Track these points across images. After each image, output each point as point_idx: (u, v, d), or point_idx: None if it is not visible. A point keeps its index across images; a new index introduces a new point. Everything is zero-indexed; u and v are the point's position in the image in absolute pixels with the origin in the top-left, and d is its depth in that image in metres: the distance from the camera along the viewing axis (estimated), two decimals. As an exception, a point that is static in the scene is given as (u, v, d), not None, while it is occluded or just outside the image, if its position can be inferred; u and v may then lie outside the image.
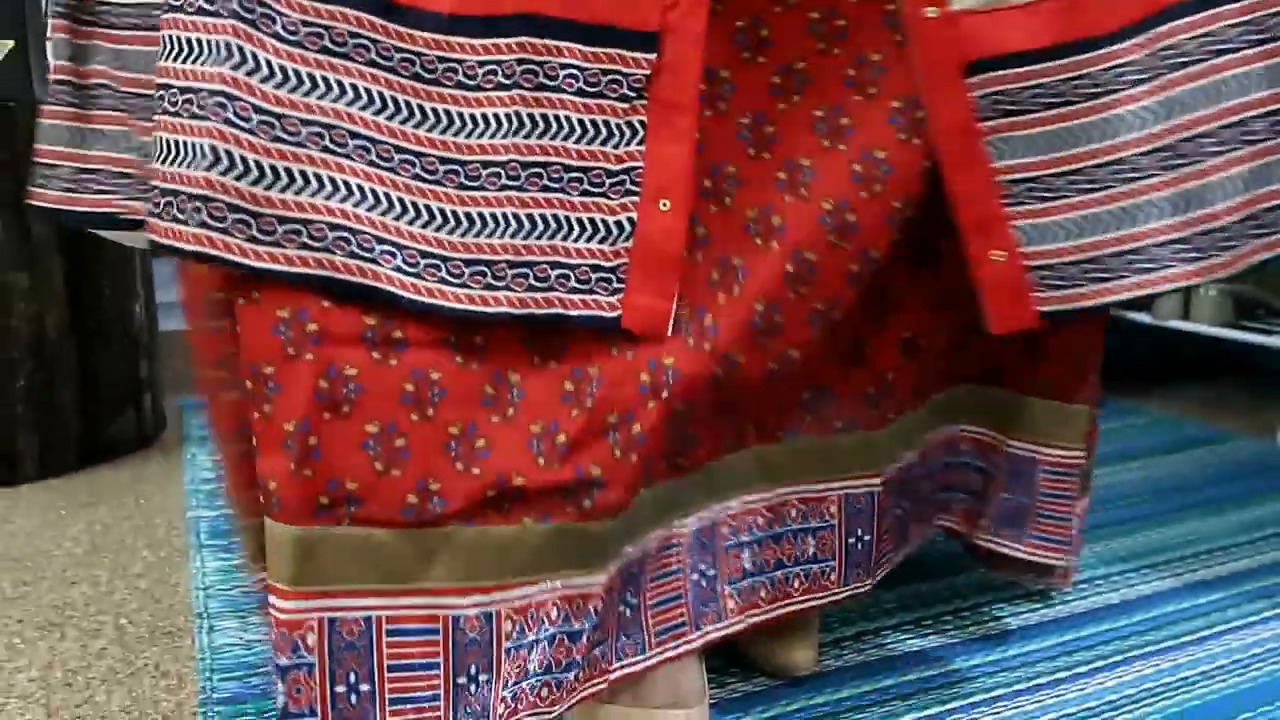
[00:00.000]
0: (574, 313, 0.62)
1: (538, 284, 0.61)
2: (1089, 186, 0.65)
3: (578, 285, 0.62)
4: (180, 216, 0.56)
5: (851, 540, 0.77)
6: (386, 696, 0.59)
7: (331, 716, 0.58)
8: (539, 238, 0.61)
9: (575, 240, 0.61)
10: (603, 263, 0.62)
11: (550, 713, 0.62)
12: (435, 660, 0.60)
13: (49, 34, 0.73)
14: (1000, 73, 0.65)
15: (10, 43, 1.25)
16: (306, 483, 0.57)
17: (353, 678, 0.59)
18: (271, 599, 0.58)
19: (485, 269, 0.60)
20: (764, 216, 0.68)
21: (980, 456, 0.84)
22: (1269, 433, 1.49)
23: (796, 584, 0.75)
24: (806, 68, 0.68)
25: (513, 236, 0.60)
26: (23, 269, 1.25)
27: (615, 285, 0.62)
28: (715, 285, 0.66)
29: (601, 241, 0.62)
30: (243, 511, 0.67)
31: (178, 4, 0.58)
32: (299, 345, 0.58)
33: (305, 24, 0.58)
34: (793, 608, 0.76)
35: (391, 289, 0.58)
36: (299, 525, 0.57)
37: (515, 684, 0.62)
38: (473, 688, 0.61)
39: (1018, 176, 0.66)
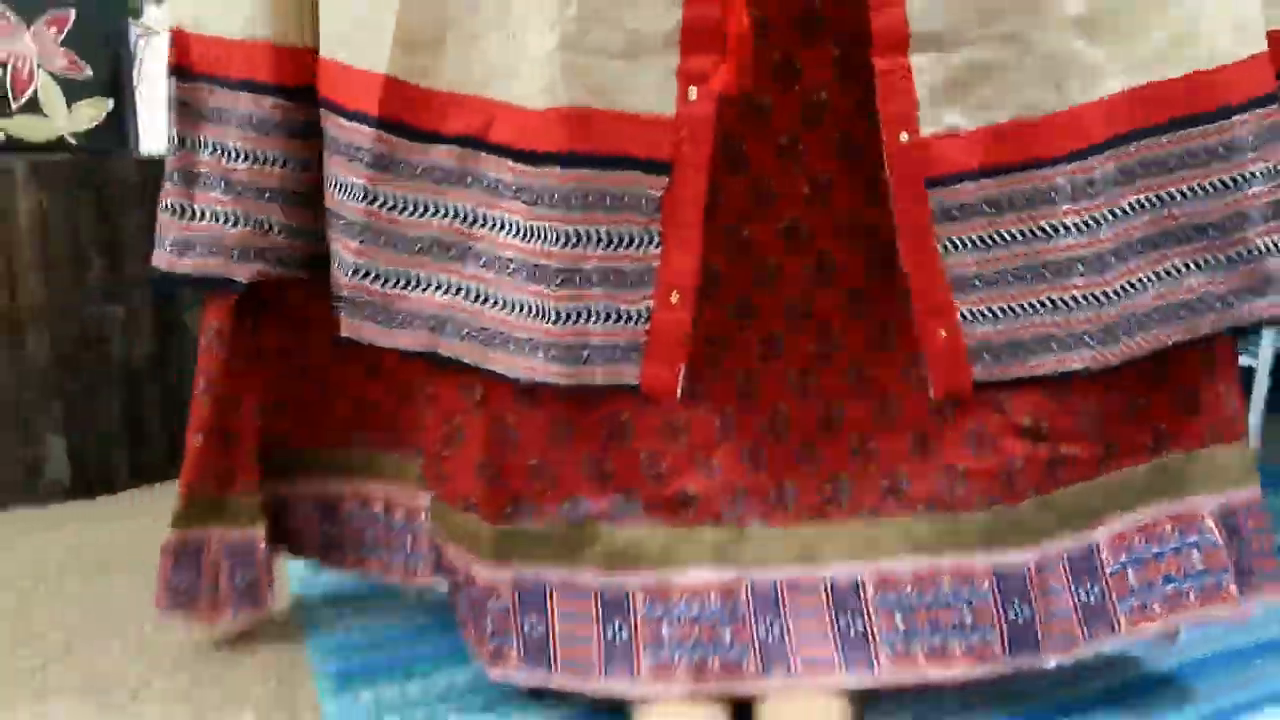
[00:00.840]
0: (604, 382, 0.79)
1: (572, 360, 0.78)
2: (1017, 281, 0.77)
3: (607, 360, 0.79)
4: (339, 309, 0.85)
5: (1012, 615, 0.81)
6: (559, 637, 0.82)
7: (520, 640, 0.82)
8: (576, 323, 0.78)
9: (603, 324, 0.78)
10: (627, 342, 0.79)
11: (691, 687, 0.80)
12: (588, 615, 0.83)
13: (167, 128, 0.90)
14: (953, 187, 0.76)
15: (110, 101, 1.41)
16: (497, 497, 0.83)
17: (534, 618, 0.83)
18: (474, 568, 0.84)
19: (540, 347, 0.78)
20: (804, 301, 0.83)
21: (1188, 531, 0.84)
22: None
23: (957, 649, 0.82)
24: (832, 179, 0.82)
25: (555, 323, 0.77)
26: (118, 303, 1.40)
27: (638, 359, 0.79)
28: (758, 357, 0.84)
29: (625, 324, 0.78)
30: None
31: (334, 148, 0.82)
32: (472, 406, 0.83)
33: (421, 164, 0.80)
34: (956, 674, 0.81)
35: (476, 361, 0.81)
36: (494, 525, 0.83)
37: (654, 647, 0.81)
38: (617, 641, 0.82)
39: (962, 271, 0.77)
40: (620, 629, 0.83)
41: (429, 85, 0.78)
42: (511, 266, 0.77)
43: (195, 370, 0.92)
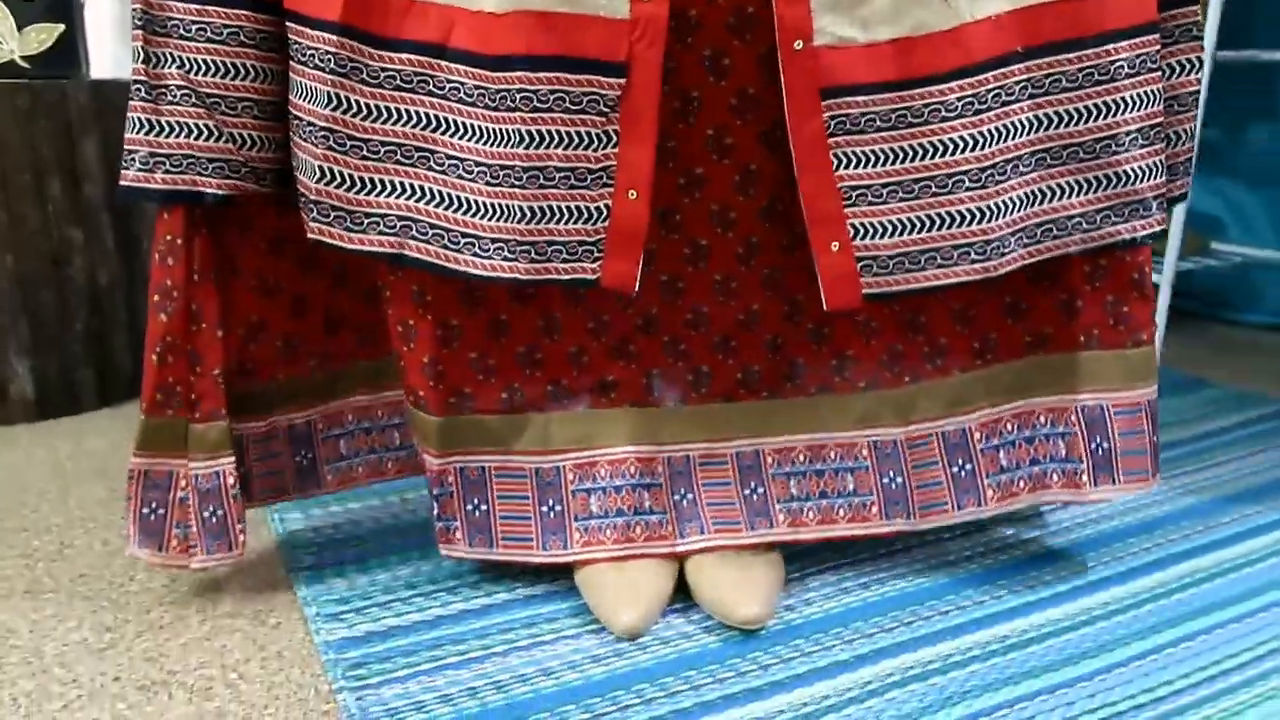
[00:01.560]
0: (565, 277, 0.83)
1: (537, 258, 0.83)
2: (907, 196, 0.80)
3: (568, 256, 0.82)
4: (306, 212, 0.86)
5: (885, 480, 0.95)
6: (497, 513, 0.95)
7: (465, 521, 0.94)
8: (538, 222, 0.82)
9: (565, 223, 0.81)
10: (587, 239, 0.82)
11: (618, 552, 0.93)
12: (526, 494, 0.95)
13: (131, 40, 0.91)
14: (846, 99, 0.79)
15: (61, 26, 1.43)
16: (440, 392, 0.92)
17: (476, 500, 0.94)
18: (425, 457, 0.94)
19: (504, 246, 0.83)
20: (723, 210, 0.89)
21: (1058, 422, 0.94)
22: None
23: (841, 512, 0.95)
24: (756, 93, 0.84)
25: (519, 222, 0.82)
26: (78, 226, 1.44)
27: (596, 254, 0.83)
28: (686, 260, 0.91)
29: (585, 222, 0.82)
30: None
31: (298, 57, 0.83)
32: (424, 307, 0.89)
33: (383, 70, 0.82)
34: (840, 533, 0.95)
35: (441, 262, 0.84)
36: (439, 416, 0.92)
37: (584, 520, 0.93)
38: (550, 515, 0.95)
39: (854, 184, 0.80)
40: (554, 505, 0.94)
41: None
42: (475, 169, 0.80)
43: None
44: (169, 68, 0.87)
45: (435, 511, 0.95)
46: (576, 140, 0.79)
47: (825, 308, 0.84)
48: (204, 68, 0.86)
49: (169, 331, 0.90)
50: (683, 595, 0.95)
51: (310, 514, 1.14)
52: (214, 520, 0.93)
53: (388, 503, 1.17)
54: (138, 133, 0.87)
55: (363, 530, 1.11)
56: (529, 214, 0.81)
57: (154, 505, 0.92)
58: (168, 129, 0.86)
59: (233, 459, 0.93)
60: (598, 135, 0.79)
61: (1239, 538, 1.08)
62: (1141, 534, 1.09)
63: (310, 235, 0.85)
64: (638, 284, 0.83)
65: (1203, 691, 0.81)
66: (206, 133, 0.87)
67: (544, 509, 0.95)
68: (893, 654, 0.86)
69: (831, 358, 0.95)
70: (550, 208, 0.81)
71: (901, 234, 0.82)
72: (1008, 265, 0.84)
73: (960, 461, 0.95)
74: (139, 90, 0.87)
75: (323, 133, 0.82)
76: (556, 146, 0.79)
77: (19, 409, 1.45)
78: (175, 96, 0.86)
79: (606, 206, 0.81)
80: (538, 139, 0.79)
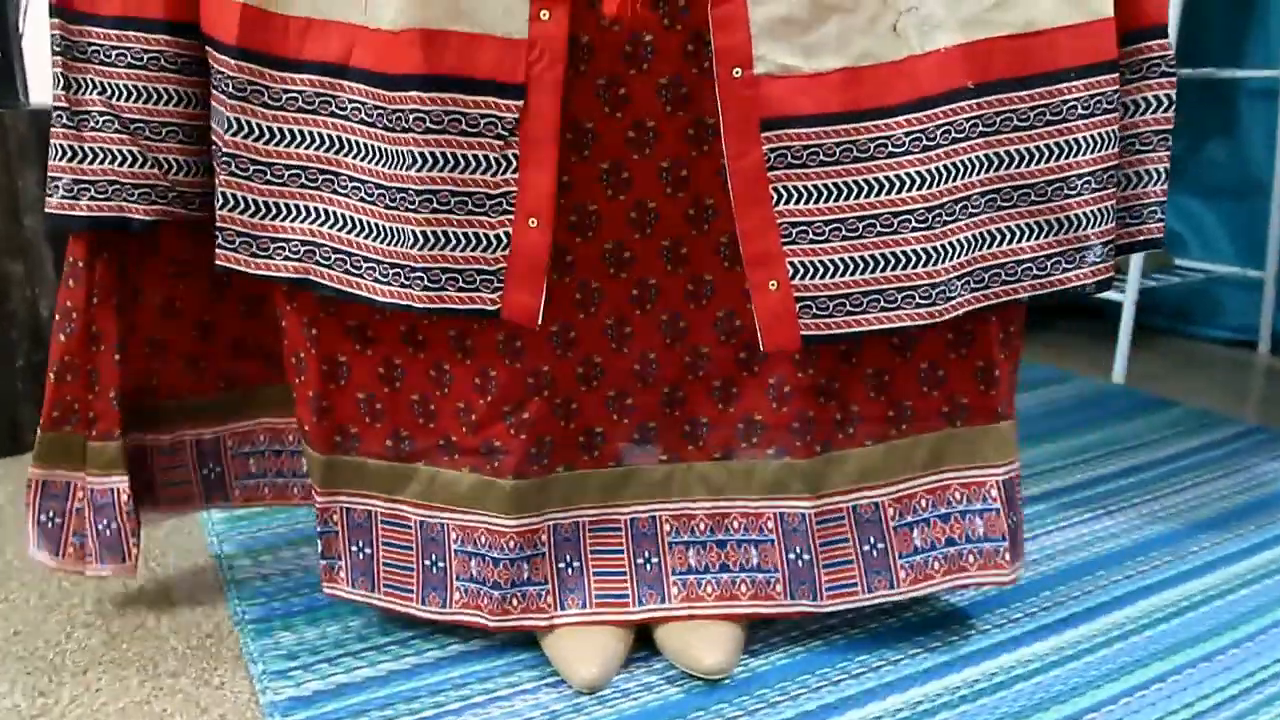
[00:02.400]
0: (462, 306, 0.79)
1: (432, 285, 0.79)
2: (850, 235, 0.76)
3: (465, 286, 0.78)
4: (218, 240, 0.84)
5: (791, 557, 0.87)
6: (381, 559, 0.92)
7: (349, 561, 0.92)
8: (434, 248, 0.77)
9: (462, 250, 0.77)
10: (486, 268, 0.78)
11: (493, 623, 0.89)
12: (410, 545, 0.91)
13: (52, 67, 0.87)
14: (788, 130, 0.75)
15: (-3, 55, 1.38)
16: (324, 429, 0.89)
17: (361, 542, 0.92)
18: (314, 493, 0.92)
19: (400, 272, 0.80)
20: (618, 250, 0.84)
21: (974, 499, 0.88)
22: (1105, 373, 1.76)
23: (744, 589, 0.88)
24: (657, 126, 0.80)
25: (413, 247, 0.78)
26: (17, 259, 1.39)
27: (496, 285, 0.78)
28: (577, 305, 0.85)
29: (484, 250, 0.77)
30: None
31: (212, 82, 0.81)
32: (312, 341, 0.87)
33: (284, 91, 0.79)
34: (741, 610, 0.88)
35: (343, 287, 0.82)
36: (322, 453, 0.90)
37: (464, 580, 0.90)
38: (433, 570, 0.91)
39: (795, 220, 0.76)
40: (437, 560, 0.91)
41: (287, 11, 0.77)
42: (375, 192, 0.78)
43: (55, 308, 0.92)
44: (90, 94, 0.85)
45: (320, 548, 0.92)
46: (473, 164, 0.76)
47: (762, 348, 0.80)
48: (125, 93, 0.84)
49: (68, 351, 0.91)
50: (645, 645, 0.92)
51: (260, 561, 1.10)
52: (108, 533, 0.94)
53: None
54: (61, 160, 0.86)
55: (313, 577, 1.07)
56: (424, 240, 0.78)
57: (51, 514, 0.95)
58: (91, 155, 0.85)
59: (126, 477, 0.93)
60: (496, 160, 0.76)
61: (1210, 567, 1.07)
62: (1111, 565, 1.07)
63: (218, 261, 0.84)
64: (540, 317, 0.79)
65: (1175, 737, 0.79)
66: (131, 158, 0.85)
67: (426, 563, 0.91)
68: (860, 702, 0.84)
69: (738, 420, 0.88)
70: (446, 234, 0.77)
71: (843, 274, 0.78)
72: (953, 310, 0.80)
73: (872, 540, 0.88)
74: (60, 117, 0.85)
75: (225, 158, 0.81)
76: (452, 170, 0.76)
77: (-43, 449, 1.39)
78: (98, 123, 0.85)
79: (506, 234, 0.78)
80: (432, 161, 0.75)
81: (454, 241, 0.78)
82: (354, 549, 0.92)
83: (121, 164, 0.85)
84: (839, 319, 0.79)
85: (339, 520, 0.91)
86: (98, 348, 0.92)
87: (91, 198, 0.86)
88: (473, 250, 0.78)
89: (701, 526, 0.91)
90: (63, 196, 0.86)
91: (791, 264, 0.78)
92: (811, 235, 0.77)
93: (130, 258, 0.93)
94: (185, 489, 1.02)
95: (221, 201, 0.82)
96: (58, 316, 0.91)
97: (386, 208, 0.78)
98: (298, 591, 1.03)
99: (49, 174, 0.86)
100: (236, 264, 0.83)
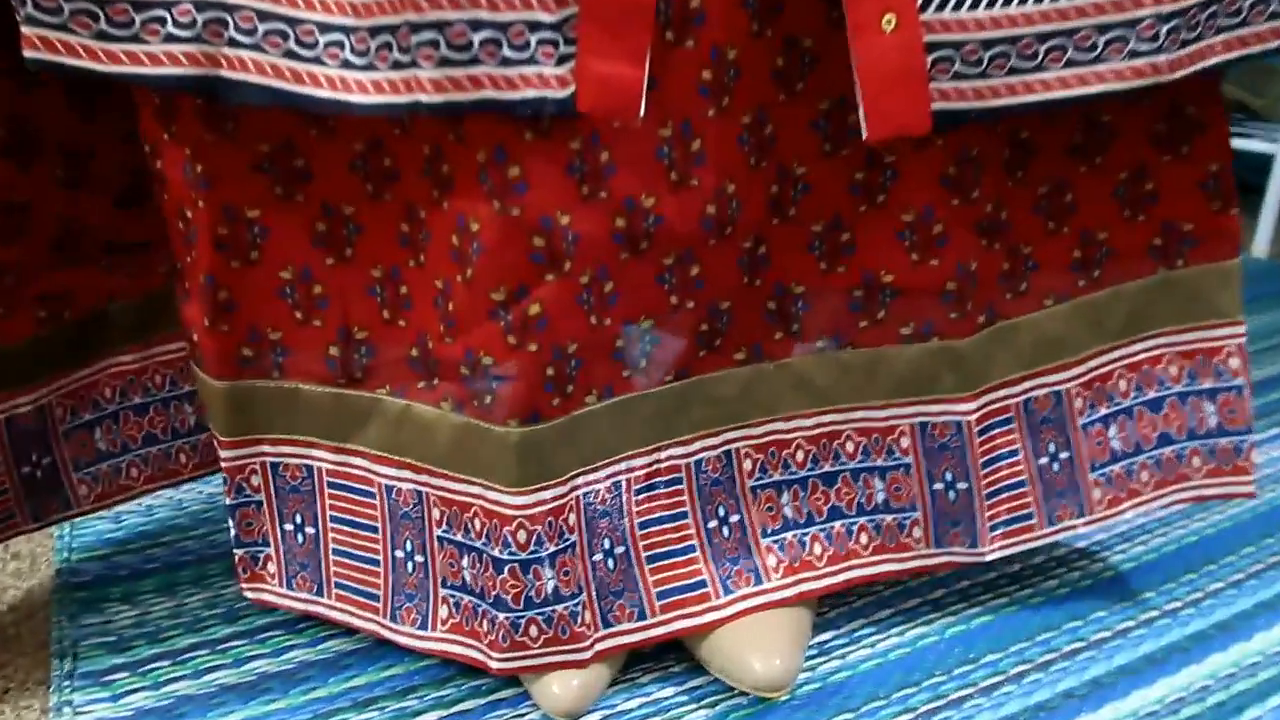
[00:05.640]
0: (510, 94, 0.46)
1: (455, 55, 0.45)
2: None
3: (512, 55, 0.46)
4: (21, 12, 0.45)
5: (938, 487, 0.60)
6: (330, 545, 0.58)
7: (280, 548, 0.59)
8: None
9: None
10: (542, 15, 0.45)
11: (499, 662, 0.55)
12: (374, 522, 0.57)
13: None
14: None
15: None
16: (224, 336, 0.55)
17: (299, 516, 0.58)
18: (216, 445, 0.58)
19: (390, 39, 0.45)
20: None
21: (1200, 373, 0.62)
22: (1244, 245, 1.41)
23: (863, 538, 0.61)
24: None
25: None
26: None
27: (563, 49, 0.46)
28: (706, 91, 0.50)
29: None
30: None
31: None
32: (197, 189, 0.52)
33: None
34: (863, 573, 0.60)
35: (284, 84, 0.46)
36: (221, 377, 0.55)
37: (454, 589, 0.56)
38: (409, 566, 0.57)
39: None
40: (413, 551, 0.56)
41: None
42: None
43: None
44: None
45: (234, 532, 0.59)
46: None
47: (865, 136, 0.48)
48: None
49: None
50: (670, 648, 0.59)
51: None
52: None
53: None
54: None
55: (185, 515, 0.75)
56: None
57: None
58: None
59: None
60: None
61: None
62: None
63: (29, 53, 0.46)
64: (644, 101, 0.46)
65: None
66: None
67: (398, 554, 0.57)
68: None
69: (854, 284, 0.56)
70: None
71: (1005, 5, 0.47)
72: (1190, 63, 0.50)
73: (1052, 448, 0.60)
74: None
75: None
76: None
77: None
78: None
79: None
80: None
81: None
82: (287, 528, 0.58)
83: None
84: (1000, 81, 0.48)
85: (261, 484, 0.58)
86: None
87: None
88: None
89: (800, 456, 0.59)
90: None
91: None
92: None
93: None
94: None
95: None
96: None
97: None
98: (159, 539, 0.72)
99: None
100: (72, 55, 0.47)
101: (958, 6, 0.47)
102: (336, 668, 0.59)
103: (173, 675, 0.58)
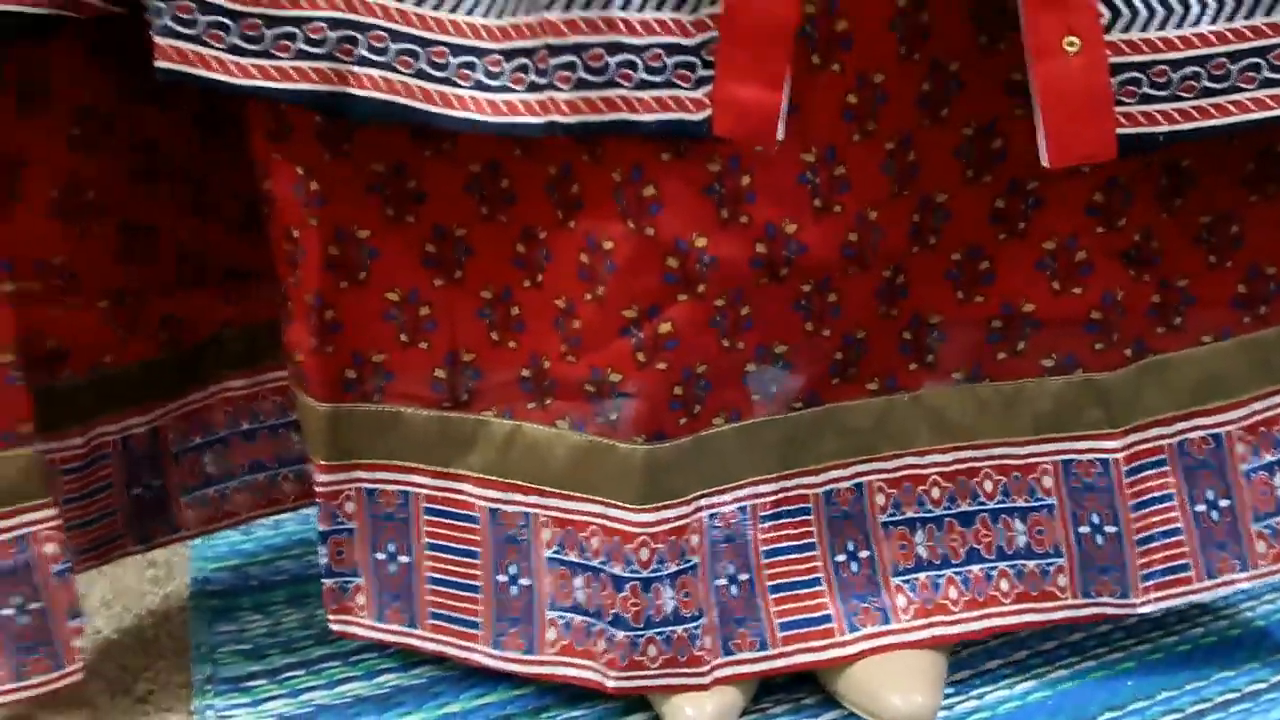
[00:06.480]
0: (645, 116, 0.47)
1: (592, 77, 0.46)
2: None
3: (649, 78, 0.46)
4: (159, 27, 0.47)
5: (1084, 530, 0.58)
6: (425, 574, 0.57)
7: (371, 579, 0.58)
8: (586, 5, 0.45)
9: (641, 9, 0.46)
10: (680, 39, 0.46)
11: (616, 681, 0.54)
12: (474, 548, 0.56)
13: None
14: None
15: None
16: (329, 358, 0.55)
17: (392, 545, 0.57)
18: (312, 470, 0.57)
19: (526, 61, 0.46)
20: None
21: None
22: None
23: (1004, 585, 0.58)
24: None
25: (549, 7, 0.45)
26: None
27: (700, 73, 0.46)
28: (850, 116, 0.50)
29: (678, 8, 0.46)
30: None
31: None
32: (310, 208, 0.52)
33: None
34: (1004, 622, 0.58)
35: (414, 103, 0.47)
36: (325, 400, 0.55)
37: (564, 610, 0.55)
38: (512, 590, 0.56)
39: None
40: (518, 575, 0.56)
41: None
42: None
43: None
44: None
45: (325, 560, 0.58)
46: None
47: (1045, 160, 0.47)
48: None
49: None
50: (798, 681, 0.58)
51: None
52: (22, 620, 0.53)
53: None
54: None
55: (312, 528, 0.77)
56: None
57: None
58: None
59: (52, 513, 0.54)
60: None
61: None
62: None
63: (161, 64, 0.48)
64: (782, 124, 0.46)
65: None
66: None
67: (501, 578, 0.56)
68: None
69: (993, 313, 0.55)
70: None
71: (1201, 17, 0.46)
72: None
73: (1211, 495, 0.57)
74: None
75: None
76: None
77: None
78: None
79: None
80: None
81: None
82: (379, 557, 0.58)
83: None
84: (1190, 103, 0.47)
85: (355, 511, 0.57)
86: None
87: None
88: (657, 7, 0.45)
89: (935, 494, 0.57)
90: None
91: (1107, 1, 0.46)
92: None
93: (6, 110, 0.54)
94: (106, 527, 0.61)
95: None
96: None
97: None
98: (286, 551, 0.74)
99: None
100: (206, 68, 0.47)
101: (1145, 26, 0.46)
102: (465, 685, 0.59)
103: (308, 684, 0.59)
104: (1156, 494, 0.56)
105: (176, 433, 0.64)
